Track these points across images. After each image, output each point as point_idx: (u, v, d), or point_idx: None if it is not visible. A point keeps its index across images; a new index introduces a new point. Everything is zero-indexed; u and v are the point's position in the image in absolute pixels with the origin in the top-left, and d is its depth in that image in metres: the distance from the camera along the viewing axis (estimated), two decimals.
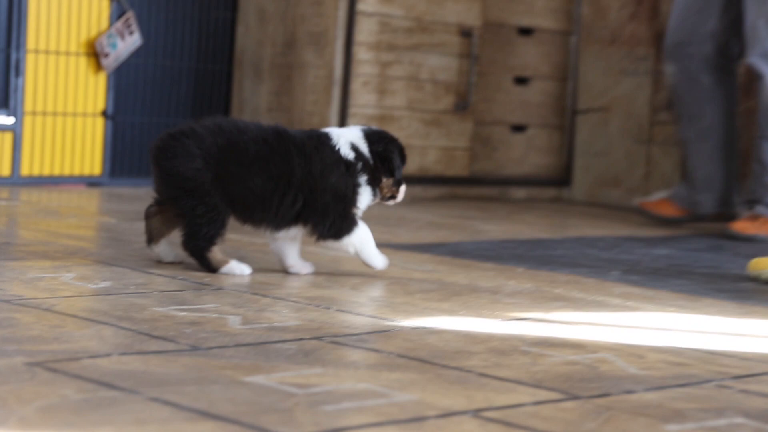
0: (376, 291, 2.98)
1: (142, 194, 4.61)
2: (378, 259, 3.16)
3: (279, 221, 3.06)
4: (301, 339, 2.33)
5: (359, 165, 3.09)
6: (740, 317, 2.96)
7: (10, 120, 4.95)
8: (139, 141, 5.31)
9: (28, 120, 4.99)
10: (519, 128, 6.10)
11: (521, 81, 6.08)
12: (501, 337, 2.48)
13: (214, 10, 5.56)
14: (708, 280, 3.57)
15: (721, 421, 1.91)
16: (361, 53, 5.36)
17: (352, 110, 5.37)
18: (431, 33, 5.60)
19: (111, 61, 5.13)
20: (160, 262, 3.15)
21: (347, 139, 3.11)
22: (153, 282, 2.89)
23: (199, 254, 3.05)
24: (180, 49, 5.46)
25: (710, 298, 3.21)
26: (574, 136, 6.19)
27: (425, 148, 5.66)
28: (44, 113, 5.03)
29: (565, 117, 6.24)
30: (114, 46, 5.13)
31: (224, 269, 3.05)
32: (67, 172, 5.09)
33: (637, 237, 4.64)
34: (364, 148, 3.12)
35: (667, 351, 2.46)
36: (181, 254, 3.12)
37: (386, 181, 3.17)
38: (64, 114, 5.08)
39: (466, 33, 5.71)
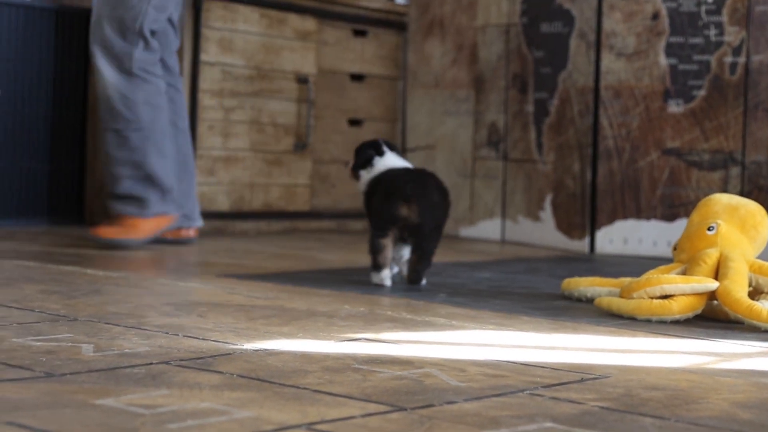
0: (221, 318, 2.97)
1: None
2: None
3: None
4: (149, 363, 2.31)
5: None
6: (552, 332, 3.02)
7: None
8: None
9: None
10: None
11: (355, 122, 6.13)
12: (335, 357, 2.50)
13: (67, 61, 5.49)
14: (524, 299, 3.63)
15: (532, 426, 1.95)
16: (205, 100, 5.35)
17: (199, 152, 5.35)
18: (270, 80, 5.62)
19: None
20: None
21: None
22: (11, 315, 2.84)
23: None
24: (35, 98, 5.38)
25: (526, 316, 3.27)
26: None
27: (268, 186, 5.67)
28: None
29: None
30: None
31: None
32: None
33: (462, 263, 4.70)
34: None
35: (486, 364, 2.50)
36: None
37: None
38: None
39: (302, 80, 5.74)
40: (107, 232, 4.48)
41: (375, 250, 3.76)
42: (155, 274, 3.82)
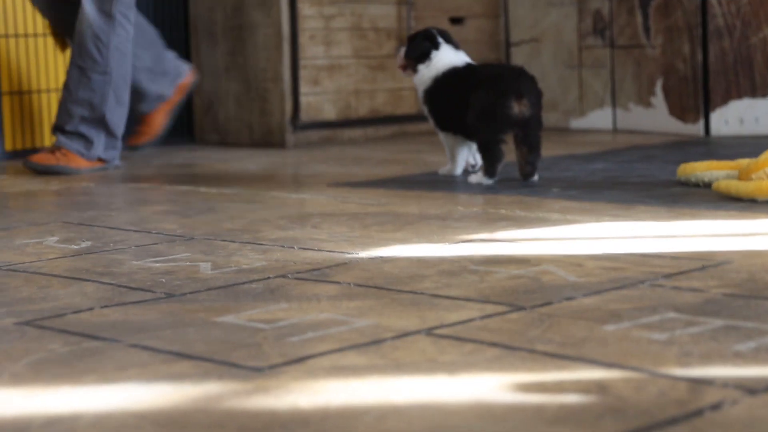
0: (335, 227, 2.98)
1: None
2: None
3: None
4: (267, 278, 2.33)
5: None
6: (671, 220, 2.97)
7: None
8: None
9: (6, 100, 4.94)
10: None
11: (457, 21, 6.05)
12: (451, 260, 2.49)
13: None
14: (640, 188, 3.58)
15: (655, 318, 1.93)
16: (305, 9, 5.33)
17: (303, 62, 5.35)
18: None
19: None
20: None
21: None
22: (130, 238, 2.88)
23: None
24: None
25: (643, 205, 3.23)
26: None
27: (374, 92, 5.65)
28: (20, 92, 4.98)
29: (501, 50, 6.22)
30: None
31: None
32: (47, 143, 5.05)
33: (575, 155, 4.64)
34: None
35: (603, 258, 2.47)
36: None
37: None
38: (39, 91, 5.04)
39: None
40: (44, 158, 4.45)
41: (494, 158, 3.68)
42: (267, 187, 3.84)
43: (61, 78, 5.06)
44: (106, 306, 2.12)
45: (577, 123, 5.86)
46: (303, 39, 5.33)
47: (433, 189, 3.67)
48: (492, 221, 3.02)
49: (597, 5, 5.76)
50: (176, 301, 2.14)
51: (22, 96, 5.02)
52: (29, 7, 5.00)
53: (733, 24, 5.16)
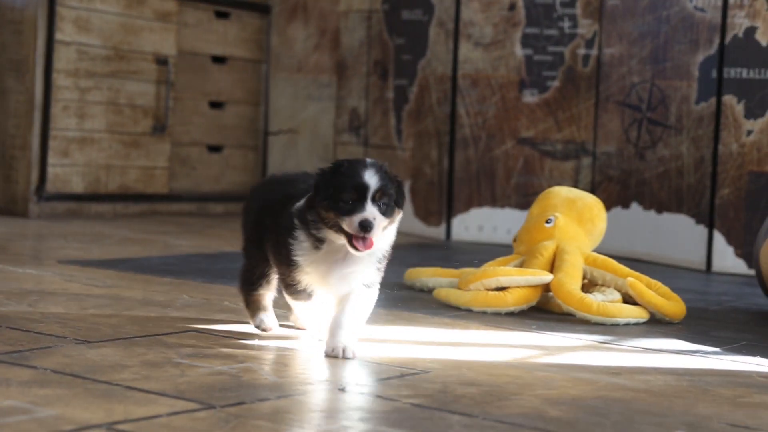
0: (51, 307, 2.93)
1: None
2: None
3: None
4: None
5: None
6: (386, 324, 3.02)
7: None
8: None
9: None
10: (215, 148, 6.10)
11: (216, 105, 6.09)
12: (158, 350, 2.48)
13: None
14: None
15: (340, 424, 1.96)
16: (60, 79, 5.27)
17: (53, 132, 5.27)
18: (129, 61, 5.55)
19: None
20: None
21: None
22: None
23: None
24: None
25: None
26: (266, 156, 6.24)
27: (126, 168, 5.60)
28: None
29: (259, 138, 6.28)
30: None
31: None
32: None
33: None
34: None
35: (308, 359, 2.50)
36: None
37: None
38: None
39: (161, 61, 5.68)
40: None
41: None
42: None
43: None
44: None
45: None
46: (56, 109, 5.26)
47: (164, 274, 3.65)
48: (213, 312, 3.02)
49: (354, 104, 5.89)
50: None
51: None
52: None
53: (479, 135, 5.35)
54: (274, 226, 2.63)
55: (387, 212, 2.49)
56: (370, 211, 2.46)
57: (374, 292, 2.62)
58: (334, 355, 2.51)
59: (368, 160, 2.52)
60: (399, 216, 2.55)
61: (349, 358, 2.51)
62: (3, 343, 2.44)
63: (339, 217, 2.47)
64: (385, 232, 2.53)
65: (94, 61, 5.40)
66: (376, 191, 2.47)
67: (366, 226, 2.45)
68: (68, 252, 4.08)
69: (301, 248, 2.55)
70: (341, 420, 1.99)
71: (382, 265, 2.61)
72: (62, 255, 3.97)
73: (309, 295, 2.62)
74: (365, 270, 2.57)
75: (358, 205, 2.46)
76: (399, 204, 2.53)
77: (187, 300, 3.20)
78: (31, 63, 5.19)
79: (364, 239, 2.48)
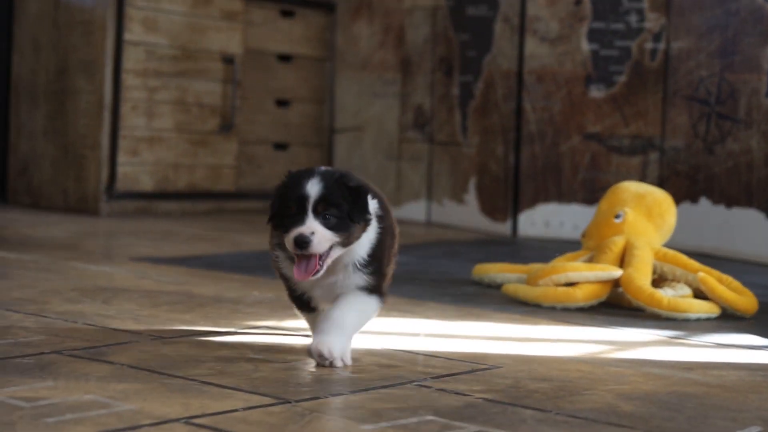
0: (125, 304, 2.96)
1: None
2: None
3: None
4: (41, 353, 2.31)
5: None
6: (456, 320, 3.04)
7: None
8: None
9: None
10: (281, 146, 6.14)
11: (282, 103, 6.12)
12: (231, 346, 2.50)
13: None
14: (436, 285, 3.65)
15: (413, 419, 1.97)
16: (129, 79, 5.32)
17: (122, 132, 5.33)
18: (196, 60, 5.60)
19: None
20: None
21: None
22: None
23: None
24: None
25: (433, 302, 3.29)
26: (332, 153, 6.27)
27: (193, 166, 5.65)
28: None
29: (324, 136, 6.30)
30: None
31: None
32: None
33: None
34: None
35: (380, 354, 2.52)
36: None
37: None
38: None
39: (228, 60, 5.72)
40: None
41: None
42: (69, 256, 3.80)
43: None
44: None
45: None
46: (125, 109, 5.32)
47: (234, 271, 3.69)
48: (283, 309, 3.04)
49: (419, 101, 5.89)
50: None
51: None
52: None
53: (545, 131, 5.34)
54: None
55: (336, 226, 2.19)
56: (309, 224, 2.17)
57: (375, 300, 2.39)
58: (316, 357, 2.29)
59: (322, 168, 2.25)
60: (366, 231, 2.25)
61: (328, 360, 2.27)
62: (80, 339, 2.47)
63: (282, 236, 2.21)
64: (350, 247, 2.23)
65: (162, 61, 5.45)
66: (318, 201, 2.18)
67: (300, 242, 2.15)
68: (139, 249, 4.12)
69: (284, 264, 2.36)
70: (414, 415, 2.00)
71: (379, 269, 2.38)
72: (133, 252, 4.02)
73: (312, 308, 2.45)
74: (348, 279, 2.32)
75: (298, 218, 2.18)
76: (353, 217, 2.20)
77: (257, 296, 3.22)
78: (101, 63, 5.26)
79: (307, 262, 2.19)
